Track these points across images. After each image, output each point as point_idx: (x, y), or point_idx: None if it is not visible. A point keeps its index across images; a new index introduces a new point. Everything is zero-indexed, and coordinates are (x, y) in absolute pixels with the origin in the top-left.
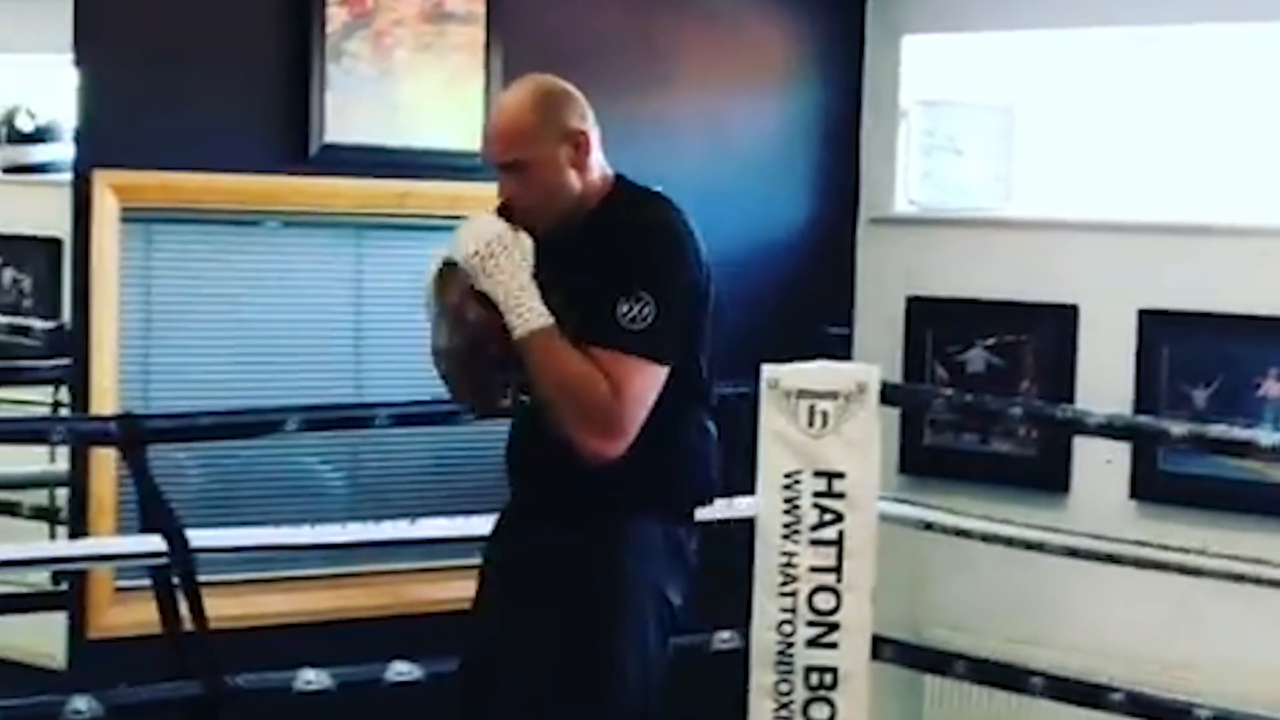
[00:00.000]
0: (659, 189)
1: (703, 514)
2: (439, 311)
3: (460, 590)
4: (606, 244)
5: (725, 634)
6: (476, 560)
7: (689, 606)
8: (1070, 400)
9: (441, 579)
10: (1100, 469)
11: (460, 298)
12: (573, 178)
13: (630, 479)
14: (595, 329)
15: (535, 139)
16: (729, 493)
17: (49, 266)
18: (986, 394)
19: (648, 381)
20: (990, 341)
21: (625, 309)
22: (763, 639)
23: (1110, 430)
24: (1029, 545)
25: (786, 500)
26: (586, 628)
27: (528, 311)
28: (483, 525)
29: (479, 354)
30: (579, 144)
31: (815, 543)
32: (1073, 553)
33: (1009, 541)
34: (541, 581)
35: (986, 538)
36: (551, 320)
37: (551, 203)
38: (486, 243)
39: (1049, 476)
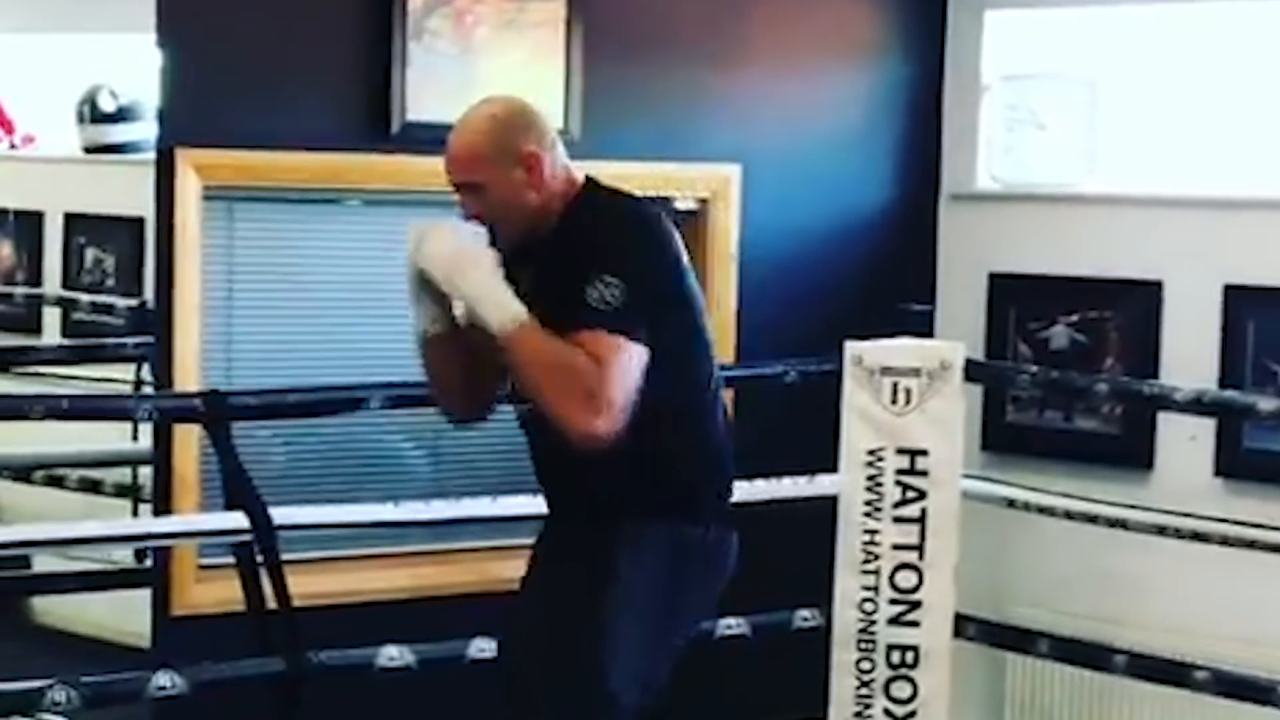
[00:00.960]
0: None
1: (785, 491)
2: (421, 290)
3: None
4: (574, 242)
5: (806, 612)
6: None
7: (708, 602)
8: (1154, 377)
9: (524, 556)
10: (1184, 446)
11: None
12: (529, 195)
13: (633, 482)
14: (571, 315)
15: (488, 163)
16: (812, 470)
17: (132, 245)
18: (1070, 371)
19: (627, 358)
20: (1073, 318)
21: (594, 292)
22: (844, 617)
23: (1198, 406)
24: (1112, 523)
25: (869, 478)
26: (574, 618)
27: (504, 306)
28: None
29: (469, 343)
30: (531, 166)
31: (898, 520)
32: (1158, 530)
33: (1092, 519)
34: (553, 576)
35: (1070, 515)
36: (525, 312)
37: (510, 217)
38: (452, 252)
39: (1133, 454)
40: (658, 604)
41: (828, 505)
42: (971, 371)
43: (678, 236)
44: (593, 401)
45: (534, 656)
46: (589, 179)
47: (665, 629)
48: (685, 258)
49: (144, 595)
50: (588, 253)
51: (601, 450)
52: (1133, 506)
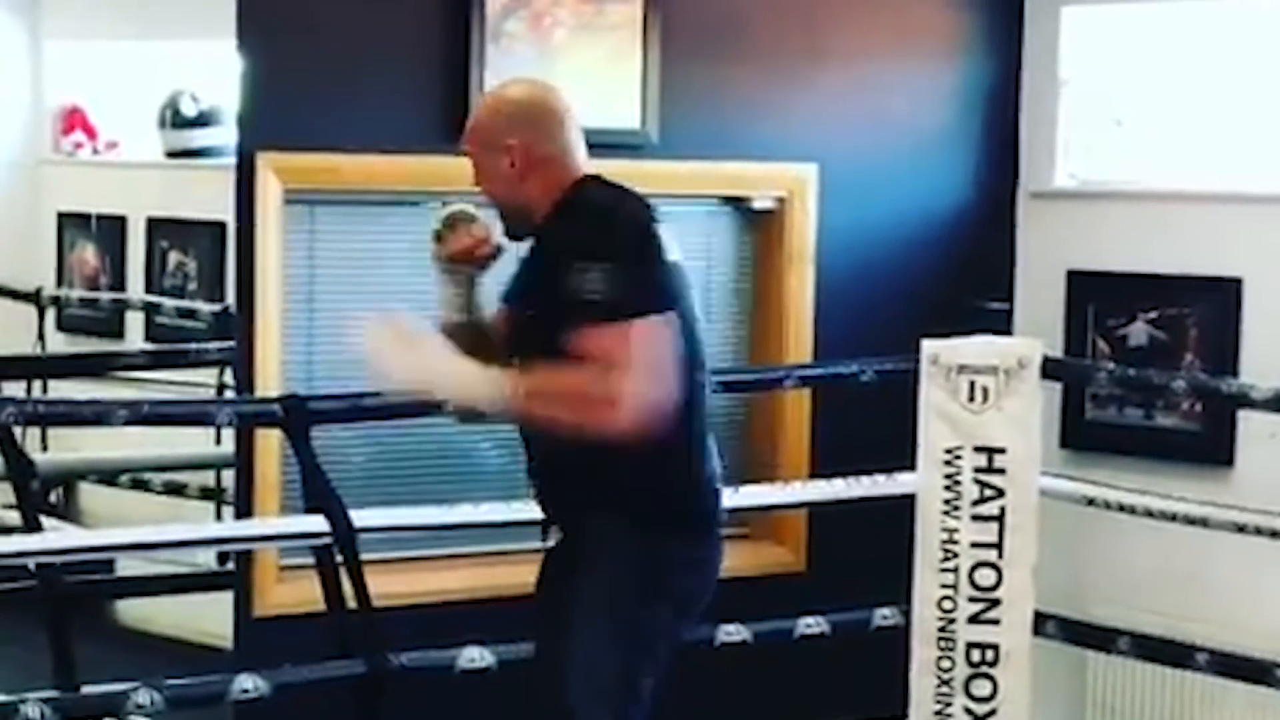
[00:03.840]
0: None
1: (863, 490)
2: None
3: None
4: (553, 238)
5: (886, 610)
6: None
7: (690, 610)
8: (1234, 374)
9: None
10: (1265, 443)
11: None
12: (512, 186)
13: (597, 487)
14: (572, 314)
15: (479, 144)
16: (890, 468)
17: (213, 250)
18: (1149, 368)
19: (636, 341)
20: (1152, 315)
21: (575, 284)
22: (924, 615)
23: (1278, 404)
24: (1192, 521)
25: (947, 476)
26: (549, 630)
27: (486, 386)
28: None
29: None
30: (514, 159)
31: (976, 518)
32: (1238, 528)
33: (1172, 517)
34: (548, 578)
35: (1150, 513)
36: (508, 381)
37: (497, 200)
38: (410, 366)
39: (1213, 451)
40: (629, 619)
41: (906, 504)
42: (1049, 369)
43: (662, 233)
44: (612, 405)
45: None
46: (590, 176)
47: (636, 646)
48: (669, 255)
49: (222, 597)
50: (560, 246)
51: (580, 455)
52: (1213, 504)
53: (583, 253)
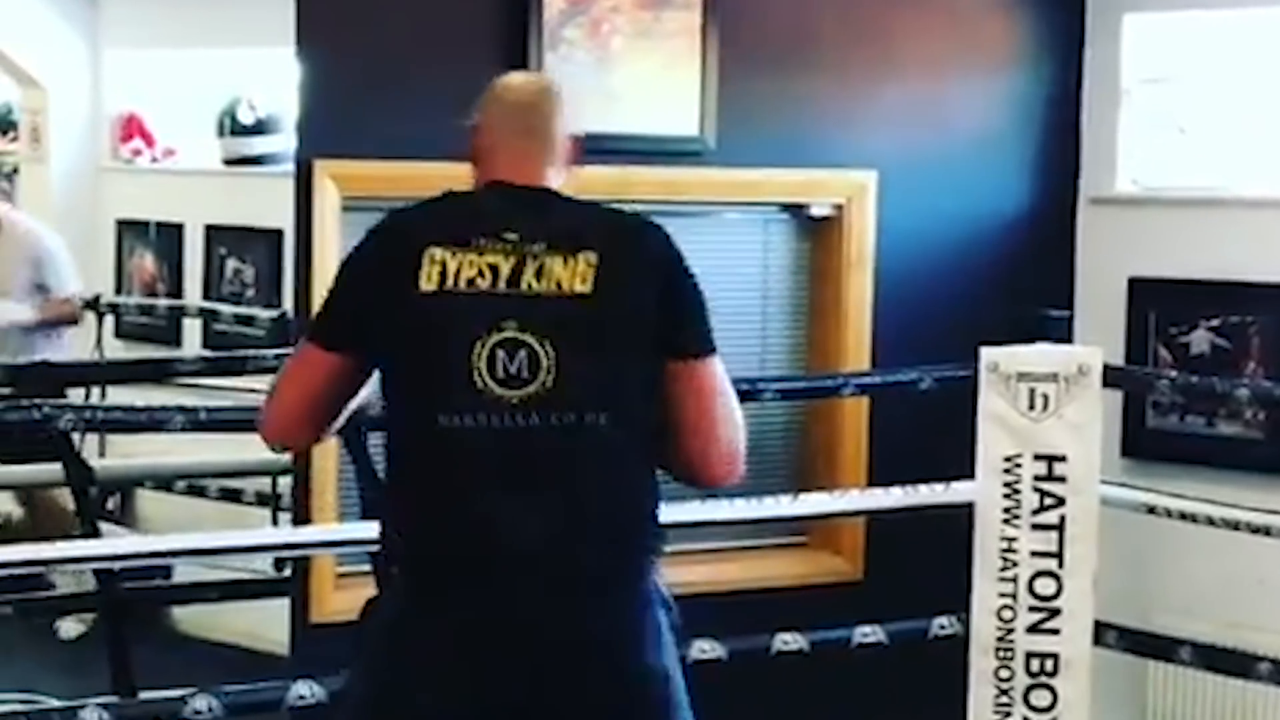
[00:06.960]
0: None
1: (921, 498)
2: None
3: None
4: None
5: (944, 620)
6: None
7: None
8: None
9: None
10: None
11: None
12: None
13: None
14: None
15: None
16: (948, 477)
17: (271, 257)
18: (1211, 376)
19: (287, 366)
20: (1214, 322)
21: None
22: (982, 625)
23: None
24: (1255, 530)
25: (1006, 484)
26: None
27: None
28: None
29: None
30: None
31: (1036, 527)
32: None
33: (1234, 526)
34: None
35: (1211, 522)
36: None
37: None
38: None
39: (1276, 459)
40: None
41: (965, 512)
42: (1110, 377)
43: (414, 261)
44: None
45: None
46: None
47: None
48: (405, 286)
49: (279, 603)
50: None
51: None
52: (1276, 513)
53: None
